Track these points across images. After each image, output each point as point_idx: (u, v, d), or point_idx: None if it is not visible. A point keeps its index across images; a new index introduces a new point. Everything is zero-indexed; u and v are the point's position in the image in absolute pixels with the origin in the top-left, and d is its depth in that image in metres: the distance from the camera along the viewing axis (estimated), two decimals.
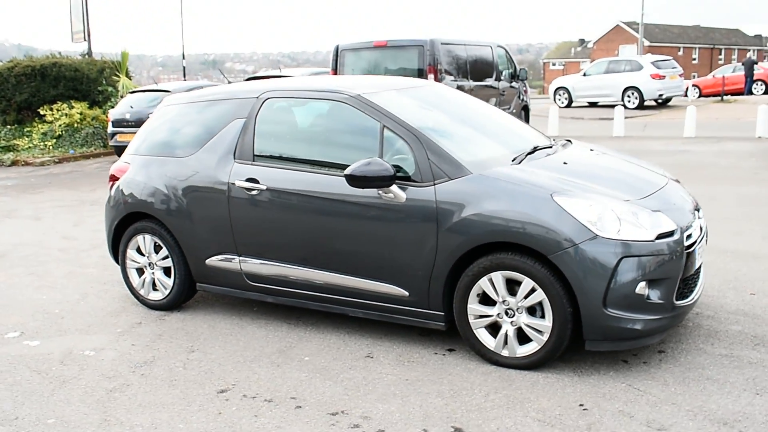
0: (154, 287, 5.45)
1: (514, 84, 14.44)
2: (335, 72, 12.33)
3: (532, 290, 3.99)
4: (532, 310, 4.06)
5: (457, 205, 4.12)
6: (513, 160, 4.44)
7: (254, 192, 4.76)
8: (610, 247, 3.83)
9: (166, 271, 5.37)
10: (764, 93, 28.59)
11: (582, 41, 76.18)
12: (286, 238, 4.71)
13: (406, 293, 4.35)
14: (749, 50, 62.64)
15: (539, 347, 4.05)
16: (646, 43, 58.23)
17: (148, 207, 5.28)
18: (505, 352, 4.15)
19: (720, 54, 61.95)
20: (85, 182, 12.87)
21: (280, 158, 4.81)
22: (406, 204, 4.25)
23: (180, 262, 5.23)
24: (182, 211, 5.10)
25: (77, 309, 5.57)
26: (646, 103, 24.14)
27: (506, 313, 4.11)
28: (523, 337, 4.12)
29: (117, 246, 5.61)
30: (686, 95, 25.99)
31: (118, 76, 18.42)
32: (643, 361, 4.18)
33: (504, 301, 4.09)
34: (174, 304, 5.38)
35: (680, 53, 57.02)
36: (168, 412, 3.80)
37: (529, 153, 4.59)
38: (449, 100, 5.21)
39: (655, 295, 3.92)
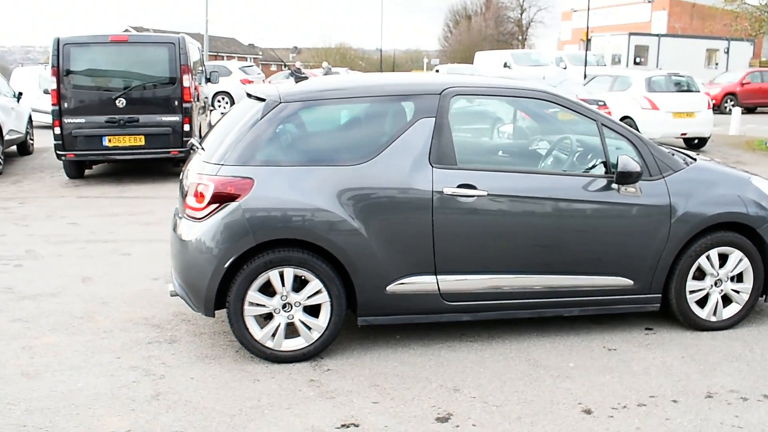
0: (288, 334, 4.33)
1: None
2: (57, 71, 10.09)
3: (740, 260, 4.73)
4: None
5: (686, 194, 4.59)
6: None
7: (471, 199, 4.30)
8: None
9: (310, 311, 4.33)
10: None
11: None
12: (508, 246, 4.40)
13: (631, 282, 4.60)
14: (247, 58, 68.65)
15: (741, 307, 4.82)
16: None
17: (301, 231, 4.18)
18: (713, 318, 4.79)
19: (224, 60, 66.28)
20: None
21: (491, 160, 4.44)
22: (642, 198, 4.51)
23: (340, 294, 4.30)
24: (357, 231, 4.21)
25: (189, 399, 4.05)
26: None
27: (715, 284, 4.76)
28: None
29: (223, 291, 4.24)
30: None
31: None
32: None
33: (715, 274, 4.73)
34: (321, 349, 4.38)
35: None
36: None
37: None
38: None
39: None
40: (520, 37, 65.74)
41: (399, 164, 4.28)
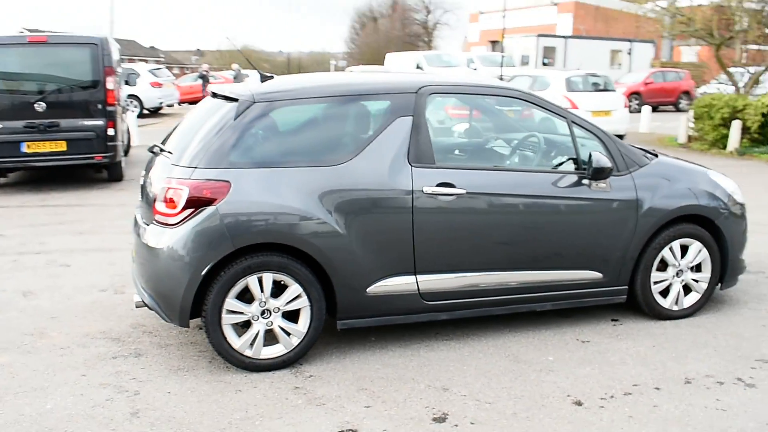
0: (266, 341, 4.18)
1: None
2: None
3: (699, 251, 4.93)
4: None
5: (651, 188, 4.74)
6: None
7: (450, 198, 4.28)
8: (740, 208, 5.08)
9: (288, 316, 4.20)
10: None
11: None
12: (485, 244, 4.42)
13: (600, 275, 4.71)
14: (148, 60, 66.53)
15: (700, 296, 5.01)
16: None
17: (281, 234, 4.05)
18: (675, 307, 4.96)
19: (124, 63, 63.89)
20: None
21: (466, 159, 4.44)
22: (612, 193, 4.62)
23: (320, 298, 4.19)
24: (338, 233, 4.12)
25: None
26: (145, 111, 24.36)
27: (677, 275, 4.93)
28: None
29: (198, 300, 4.05)
30: (180, 104, 26.99)
31: None
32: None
33: (677, 265, 4.90)
34: (301, 355, 4.26)
35: None
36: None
37: None
38: None
39: None
40: (426, 39, 66.70)
41: (378, 164, 4.22)
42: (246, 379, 4.10)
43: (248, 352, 4.14)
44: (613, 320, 4.98)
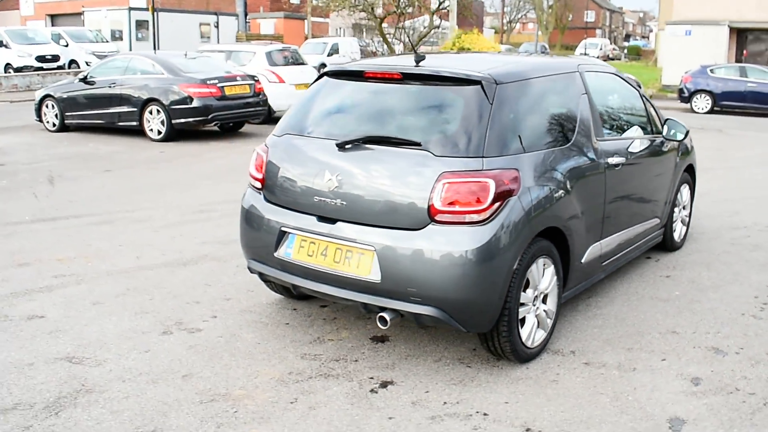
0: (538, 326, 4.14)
1: None
2: None
3: (688, 191, 6.27)
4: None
5: (677, 140, 5.84)
6: None
7: (618, 167, 4.72)
8: None
9: (544, 299, 4.19)
10: None
11: None
12: (629, 205, 5.00)
13: (658, 221, 5.69)
14: None
15: (686, 228, 6.37)
16: None
17: (556, 218, 4.04)
18: (678, 240, 6.21)
19: None
20: None
21: (614, 129, 4.91)
22: (670, 149, 5.61)
23: (561, 276, 4.28)
24: (577, 212, 4.25)
25: None
26: None
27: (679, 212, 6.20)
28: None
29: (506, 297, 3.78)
30: None
31: None
32: None
33: (681, 203, 6.15)
34: (551, 336, 4.28)
35: None
36: None
37: None
38: None
39: None
40: None
41: (587, 140, 4.43)
42: (525, 372, 3.97)
43: (529, 343, 4.03)
44: (647, 257, 5.99)
